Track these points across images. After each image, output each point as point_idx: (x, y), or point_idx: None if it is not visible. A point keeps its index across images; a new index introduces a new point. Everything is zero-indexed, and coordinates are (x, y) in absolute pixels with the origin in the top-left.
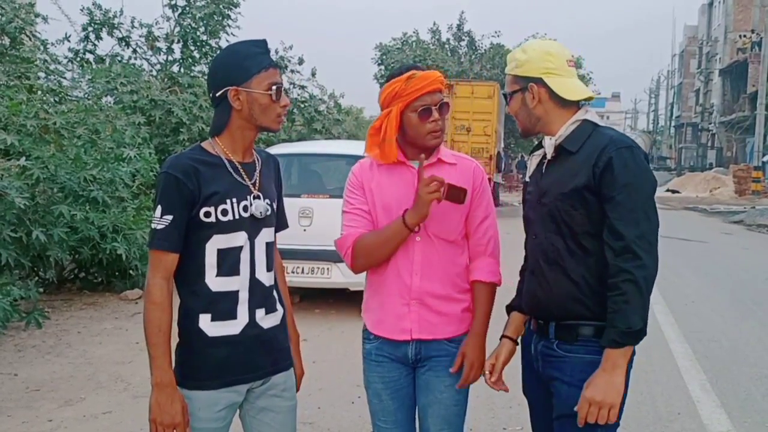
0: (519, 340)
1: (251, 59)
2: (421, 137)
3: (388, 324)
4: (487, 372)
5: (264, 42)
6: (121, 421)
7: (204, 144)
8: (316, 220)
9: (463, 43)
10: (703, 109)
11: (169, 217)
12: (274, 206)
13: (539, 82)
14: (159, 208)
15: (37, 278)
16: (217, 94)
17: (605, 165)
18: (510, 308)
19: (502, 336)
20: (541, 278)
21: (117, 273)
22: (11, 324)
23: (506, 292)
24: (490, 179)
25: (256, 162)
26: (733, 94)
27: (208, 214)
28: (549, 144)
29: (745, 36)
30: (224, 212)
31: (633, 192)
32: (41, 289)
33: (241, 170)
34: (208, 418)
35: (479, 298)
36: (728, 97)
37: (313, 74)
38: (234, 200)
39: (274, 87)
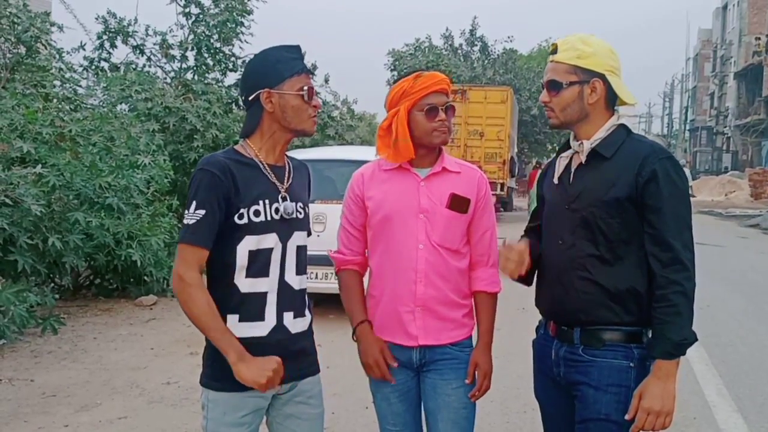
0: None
1: (284, 63)
2: (428, 134)
3: (394, 330)
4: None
5: (297, 48)
6: (137, 427)
7: (236, 147)
8: (330, 226)
9: (475, 49)
10: (718, 113)
11: (202, 212)
12: (307, 210)
13: (602, 78)
14: (193, 204)
15: (53, 285)
16: (250, 97)
17: (650, 176)
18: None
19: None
20: (567, 284)
21: (132, 279)
22: (28, 330)
23: (507, 296)
24: (503, 184)
25: (288, 166)
26: (748, 97)
27: (241, 216)
28: (586, 147)
29: (759, 39)
30: (257, 213)
31: (678, 202)
32: (57, 296)
33: (273, 172)
34: (233, 422)
35: (484, 308)
36: (743, 100)
37: (326, 80)
38: (266, 201)
39: (305, 88)
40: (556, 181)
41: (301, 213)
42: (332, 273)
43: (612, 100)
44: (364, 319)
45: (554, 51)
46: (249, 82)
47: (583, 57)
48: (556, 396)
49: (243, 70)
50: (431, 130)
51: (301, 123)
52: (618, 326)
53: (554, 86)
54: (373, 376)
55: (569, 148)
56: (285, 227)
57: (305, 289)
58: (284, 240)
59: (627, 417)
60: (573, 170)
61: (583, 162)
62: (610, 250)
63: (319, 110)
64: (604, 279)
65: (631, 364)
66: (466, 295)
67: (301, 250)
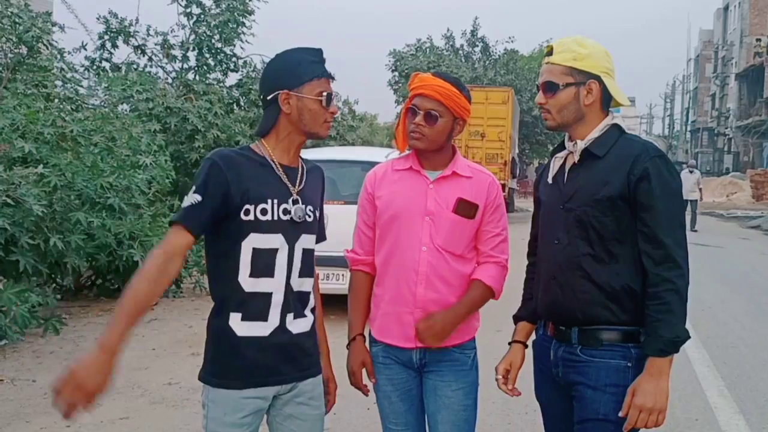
0: (530, 345)
1: (305, 66)
2: (408, 135)
3: (394, 331)
4: (500, 377)
5: (319, 51)
6: (138, 427)
7: (252, 145)
8: (331, 227)
9: (477, 49)
10: (719, 114)
11: (198, 198)
12: (317, 214)
13: (598, 80)
14: (192, 188)
15: (54, 285)
16: (268, 97)
17: (642, 174)
18: (517, 318)
19: (513, 341)
20: (564, 284)
21: None
22: (29, 331)
23: (509, 298)
24: (504, 185)
25: (301, 168)
26: (749, 99)
27: (247, 212)
28: (579, 147)
29: (761, 40)
30: (264, 211)
31: (670, 200)
32: (59, 296)
33: (285, 173)
34: (233, 423)
35: (472, 291)
36: (744, 101)
37: None
38: (275, 201)
39: (324, 94)
40: (550, 181)
41: (310, 216)
42: (334, 274)
43: (607, 101)
44: (359, 333)
45: (549, 53)
46: (268, 81)
47: (579, 59)
48: (556, 396)
49: (245, 69)
50: (408, 132)
51: (316, 127)
52: (615, 326)
53: (551, 88)
54: (351, 383)
55: (564, 148)
56: (293, 229)
57: (308, 292)
58: (291, 242)
59: (620, 414)
60: (567, 170)
61: (577, 162)
62: (605, 248)
63: (336, 116)
64: (599, 278)
65: (629, 364)
66: None
67: (307, 253)
